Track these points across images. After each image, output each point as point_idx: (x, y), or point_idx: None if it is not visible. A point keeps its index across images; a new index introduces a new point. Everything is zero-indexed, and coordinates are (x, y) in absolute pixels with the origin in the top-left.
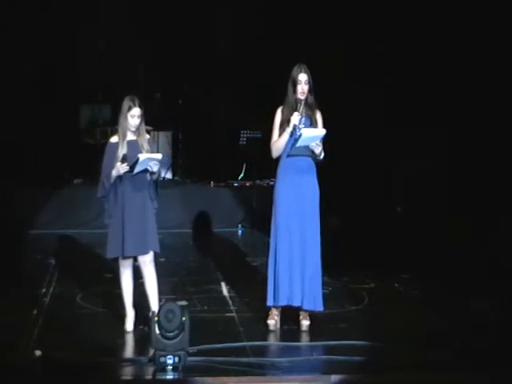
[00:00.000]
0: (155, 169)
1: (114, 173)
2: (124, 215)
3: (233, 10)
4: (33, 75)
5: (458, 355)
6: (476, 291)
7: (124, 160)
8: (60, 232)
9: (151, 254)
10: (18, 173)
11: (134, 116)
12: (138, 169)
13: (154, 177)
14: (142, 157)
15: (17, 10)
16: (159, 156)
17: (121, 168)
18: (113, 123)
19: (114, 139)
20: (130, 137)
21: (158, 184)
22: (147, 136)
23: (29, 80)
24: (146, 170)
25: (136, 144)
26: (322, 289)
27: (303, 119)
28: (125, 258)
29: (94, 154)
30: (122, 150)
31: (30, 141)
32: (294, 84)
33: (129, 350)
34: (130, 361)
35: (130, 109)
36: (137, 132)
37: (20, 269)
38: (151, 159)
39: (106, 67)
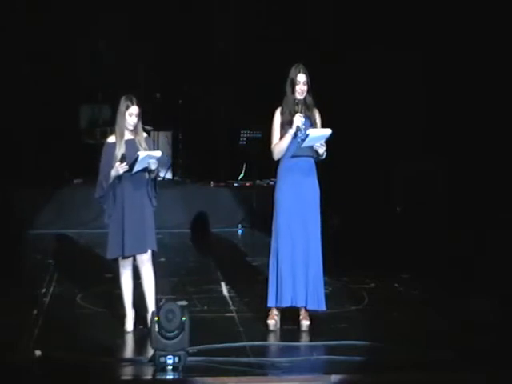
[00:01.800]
0: (154, 167)
1: (113, 173)
2: (124, 215)
3: (233, 10)
4: (33, 75)
5: (457, 355)
6: (476, 291)
7: (123, 159)
8: (60, 232)
9: (149, 252)
10: (18, 173)
11: (132, 114)
12: (137, 167)
13: (153, 175)
14: (141, 154)
15: (17, 10)
16: (159, 153)
17: (120, 168)
18: (112, 123)
19: (111, 139)
20: (128, 136)
21: (157, 183)
22: (144, 134)
23: (29, 80)
24: (144, 169)
25: (134, 143)
26: (324, 289)
27: (304, 119)
28: (125, 257)
29: (94, 154)
30: (120, 150)
31: (29, 141)
32: (293, 85)
33: (129, 350)
34: (130, 361)
35: (128, 107)
36: (134, 131)
37: (20, 269)
38: (151, 157)
39: (106, 67)
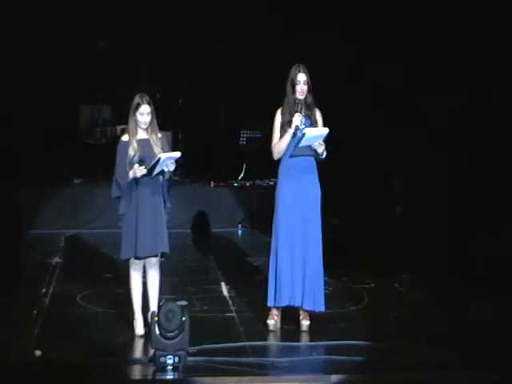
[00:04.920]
0: (172, 168)
1: (131, 175)
2: (138, 216)
3: (233, 10)
4: (33, 75)
5: (458, 355)
6: (476, 291)
7: (142, 163)
8: (60, 232)
9: (158, 254)
10: (18, 173)
11: (143, 114)
12: (157, 170)
13: (167, 176)
14: (162, 156)
15: (17, 10)
16: (178, 154)
17: (138, 171)
18: (113, 123)
19: (125, 138)
20: (142, 135)
21: (171, 183)
22: (159, 134)
23: (29, 80)
24: (161, 171)
25: (148, 143)
26: (324, 289)
27: (303, 119)
28: (137, 258)
29: (94, 154)
30: (133, 149)
31: (30, 141)
32: (293, 84)
33: (129, 350)
34: (130, 361)
35: (138, 106)
36: (148, 130)
37: (20, 269)
38: (170, 158)
39: (106, 67)
